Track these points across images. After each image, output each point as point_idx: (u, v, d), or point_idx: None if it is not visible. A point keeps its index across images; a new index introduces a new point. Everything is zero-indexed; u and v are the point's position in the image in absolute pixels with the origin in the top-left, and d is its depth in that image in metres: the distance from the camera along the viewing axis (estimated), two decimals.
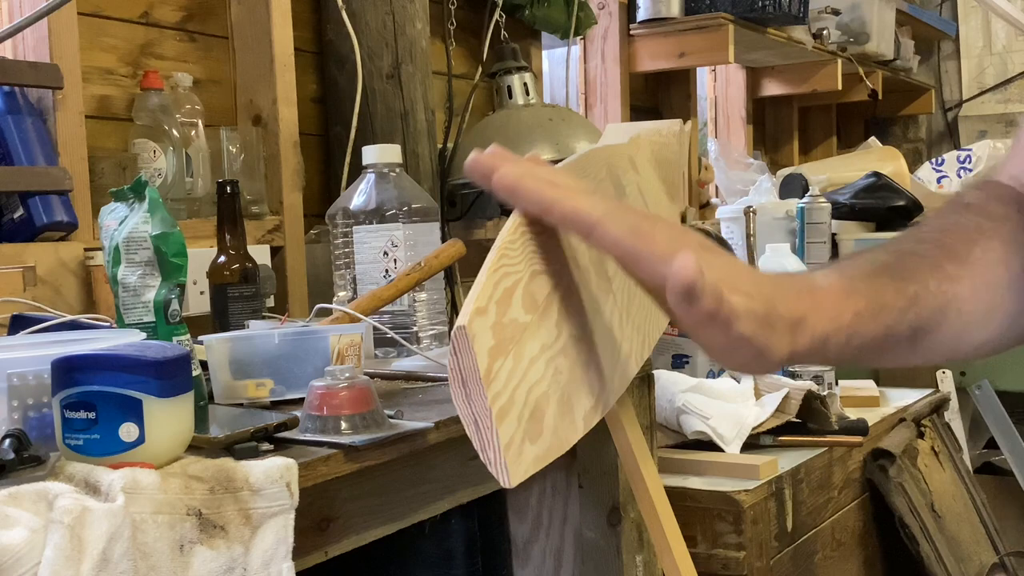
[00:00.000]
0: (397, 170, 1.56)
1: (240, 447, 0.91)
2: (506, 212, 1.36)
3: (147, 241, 1.07)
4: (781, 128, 3.96)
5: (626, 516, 1.42)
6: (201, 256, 1.42)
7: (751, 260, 2.48)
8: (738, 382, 1.90)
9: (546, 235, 0.64)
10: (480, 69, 2.36)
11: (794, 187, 3.13)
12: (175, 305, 1.08)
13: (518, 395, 0.57)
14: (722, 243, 1.49)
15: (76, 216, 1.49)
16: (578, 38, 2.78)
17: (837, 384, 2.01)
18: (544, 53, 2.72)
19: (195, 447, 0.89)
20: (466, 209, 2.22)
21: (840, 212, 2.86)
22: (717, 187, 3.34)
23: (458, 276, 1.98)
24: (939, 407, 2.43)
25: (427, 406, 1.12)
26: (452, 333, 0.55)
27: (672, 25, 2.88)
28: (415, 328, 1.49)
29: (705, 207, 3.21)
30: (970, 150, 3.70)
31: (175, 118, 1.67)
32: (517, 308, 0.59)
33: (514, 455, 0.56)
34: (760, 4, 2.90)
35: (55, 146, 1.50)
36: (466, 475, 1.17)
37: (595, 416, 0.66)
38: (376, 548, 1.12)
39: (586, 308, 0.67)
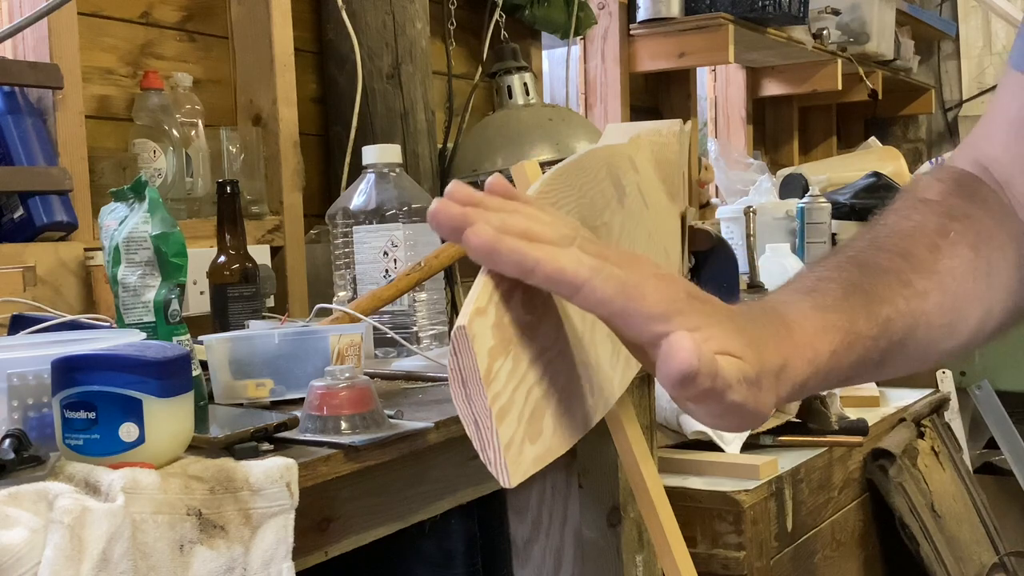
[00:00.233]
0: (397, 170, 1.56)
1: (240, 447, 0.91)
2: None
3: (147, 241, 1.07)
4: (781, 128, 3.96)
5: (626, 516, 1.42)
6: (201, 256, 1.42)
7: (751, 260, 2.48)
8: None
9: None
10: (480, 69, 2.36)
11: (794, 187, 3.13)
12: (175, 305, 1.08)
13: (518, 395, 0.57)
14: (722, 243, 1.49)
15: (76, 216, 1.49)
16: (578, 38, 2.78)
17: None
18: (544, 53, 2.72)
19: (195, 447, 0.89)
20: None
21: (840, 212, 2.87)
22: (717, 187, 3.34)
23: (458, 276, 1.98)
24: (939, 407, 2.43)
25: (427, 406, 1.12)
26: (452, 333, 0.55)
27: (672, 25, 2.88)
28: (415, 328, 1.49)
29: (705, 207, 3.20)
30: None
31: (175, 118, 1.67)
32: (517, 308, 0.59)
33: (514, 455, 0.56)
34: (760, 4, 2.90)
35: (55, 146, 1.50)
36: (466, 475, 1.17)
37: (595, 416, 0.66)
38: (376, 548, 1.12)
39: None
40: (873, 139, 3.97)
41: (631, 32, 2.94)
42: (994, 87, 4.52)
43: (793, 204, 2.82)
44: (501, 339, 0.57)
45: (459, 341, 0.55)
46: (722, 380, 0.56)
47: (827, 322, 0.65)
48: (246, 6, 1.82)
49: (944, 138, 4.63)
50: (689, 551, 0.86)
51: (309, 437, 0.96)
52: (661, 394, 1.79)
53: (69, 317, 1.21)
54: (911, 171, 3.40)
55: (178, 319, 1.08)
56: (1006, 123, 0.80)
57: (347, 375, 0.99)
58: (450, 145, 2.16)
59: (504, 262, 0.55)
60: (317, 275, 1.82)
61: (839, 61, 3.50)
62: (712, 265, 1.60)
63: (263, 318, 1.40)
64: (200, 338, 1.15)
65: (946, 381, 2.85)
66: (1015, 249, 0.76)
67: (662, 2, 2.86)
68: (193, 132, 1.71)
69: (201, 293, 1.54)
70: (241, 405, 1.11)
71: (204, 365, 1.12)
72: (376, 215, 1.51)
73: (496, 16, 2.34)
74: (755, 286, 2.44)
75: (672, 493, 0.98)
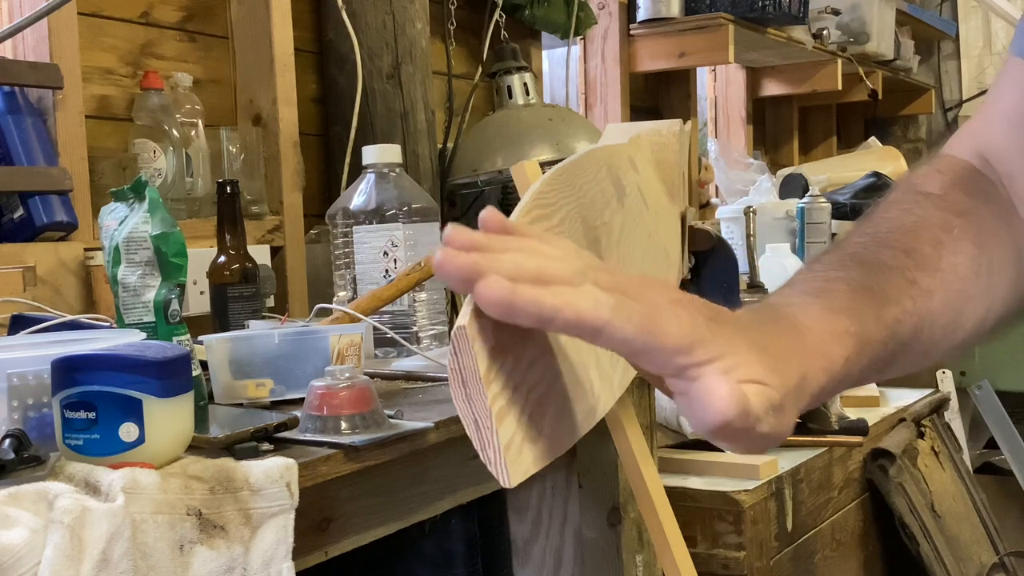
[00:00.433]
0: (397, 170, 1.56)
1: (240, 447, 0.91)
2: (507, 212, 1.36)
3: (147, 241, 1.07)
4: (781, 128, 3.96)
5: (626, 516, 1.42)
6: (201, 256, 1.42)
7: (751, 260, 2.48)
8: None
9: None
10: (480, 69, 2.36)
11: (794, 187, 3.13)
12: (175, 305, 1.08)
13: (518, 395, 0.57)
14: (722, 243, 1.49)
15: (76, 216, 1.49)
16: (578, 38, 2.78)
17: None
18: (544, 53, 2.72)
19: (195, 447, 0.89)
20: (466, 209, 2.22)
21: (840, 212, 2.87)
22: (717, 187, 3.34)
23: None
24: (939, 407, 2.43)
25: (427, 406, 1.12)
26: (452, 333, 0.55)
27: (672, 25, 2.88)
28: (415, 328, 1.50)
29: (705, 207, 3.20)
30: None
31: (175, 118, 1.67)
32: None
33: (514, 455, 0.56)
34: (760, 4, 2.90)
35: (55, 146, 1.50)
36: (466, 475, 1.17)
37: (595, 417, 0.66)
38: (376, 548, 1.12)
39: None
40: (873, 139, 3.97)
41: (631, 32, 2.94)
42: None
43: (793, 204, 2.82)
44: (501, 339, 0.57)
45: (459, 341, 0.55)
46: (753, 417, 0.56)
47: (839, 327, 0.64)
48: (246, 6, 1.82)
49: (944, 138, 4.61)
50: (689, 551, 0.86)
51: (309, 437, 0.96)
52: (661, 394, 1.79)
53: (69, 317, 1.21)
54: None
55: (178, 319, 1.08)
56: (1008, 113, 0.79)
57: (347, 375, 0.99)
58: (450, 145, 2.16)
59: (521, 315, 0.53)
60: (317, 275, 1.82)
61: (839, 61, 3.49)
62: (712, 265, 1.59)
63: (263, 318, 1.40)
64: (200, 338, 1.15)
65: (946, 381, 2.85)
66: (1015, 245, 0.76)
67: (662, 2, 2.86)
68: (193, 132, 1.71)
69: (201, 293, 1.54)
70: (241, 405, 1.11)
71: (204, 365, 1.12)
72: (376, 215, 1.51)
73: (496, 16, 2.34)
74: (755, 286, 2.44)
75: (672, 493, 0.98)
